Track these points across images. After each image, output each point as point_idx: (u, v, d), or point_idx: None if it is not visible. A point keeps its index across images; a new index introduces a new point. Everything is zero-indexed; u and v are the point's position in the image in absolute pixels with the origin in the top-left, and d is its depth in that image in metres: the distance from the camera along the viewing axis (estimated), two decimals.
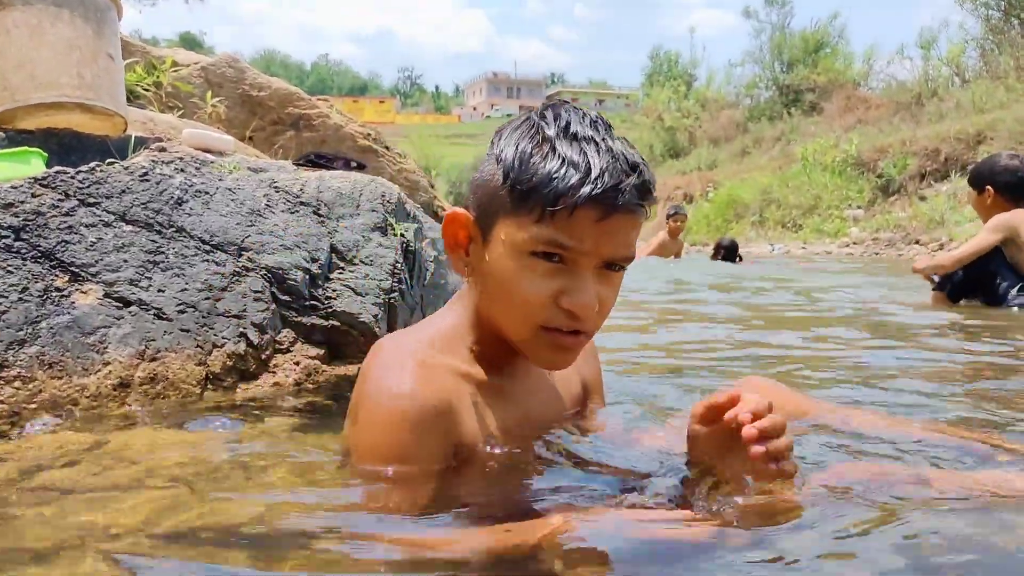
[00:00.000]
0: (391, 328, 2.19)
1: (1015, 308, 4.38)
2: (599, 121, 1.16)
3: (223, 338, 1.90)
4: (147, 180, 2.02)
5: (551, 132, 1.12)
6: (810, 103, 27.54)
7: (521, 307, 1.15)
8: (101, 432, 1.57)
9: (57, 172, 1.93)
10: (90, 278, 1.82)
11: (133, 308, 1.83)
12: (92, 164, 1.99)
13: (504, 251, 1.15)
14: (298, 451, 1.48)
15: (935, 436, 1.45)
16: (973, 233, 4.89)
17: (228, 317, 1.93)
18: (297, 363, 2.01)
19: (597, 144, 1.11)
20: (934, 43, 23.66)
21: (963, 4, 22.01)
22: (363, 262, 2.21)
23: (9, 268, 1.74)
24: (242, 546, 0.97)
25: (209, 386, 1.85)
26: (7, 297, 1.71)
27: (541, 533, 0.93)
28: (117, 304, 1.82)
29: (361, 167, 2.91)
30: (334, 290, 2.12)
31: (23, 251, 1.79)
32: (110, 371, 1.74)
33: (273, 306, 2.01)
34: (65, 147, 2.45)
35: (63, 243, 1.83)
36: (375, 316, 2.12)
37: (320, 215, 2.24)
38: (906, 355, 2.85)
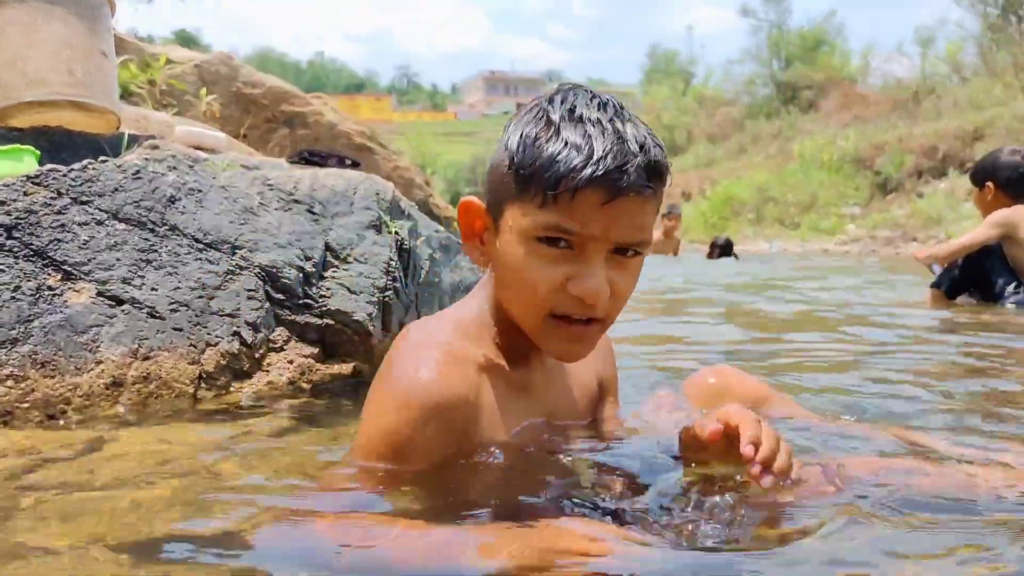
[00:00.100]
0: (385, 327, 2.18)
1: (1010, 306, 4.39)
2: (609, 103, 1.13)
3: (216, 337, 1.90)
4: (140, 178, 2.01)
5: (556, 116, 1.10)
6: (808, 100, 27.56)
7: (529, 294, 1.13)
8: (94, 431, 1.56)
9: (49, 170, 1.92)
10: (83, 276, 1.82)
11: (126, 307, 1.83)
12: (85, 162, 1.98)
13: (512, 238, 1.13)
14: (292, 449, 1.47)
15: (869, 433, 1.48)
16: (971, 229, 4.90)
17: (221, 316, 1.93)
18: (291, 362, 2.00)
19: (603, 126, 1.08)
20: (932, 40, 23.69)
21: (961, 2, 22.02)
22: (357, 260, 2.20)
23: (1, 267, 1.73)
24: (236, 545, 0.97)
25: (203, 385, 1.84)
26: None
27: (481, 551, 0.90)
28: (110, 303, 1.82)
29: (355, 165, 2.90)
30: (328, 288, 2.12)
31: (15, 249, 1.78)
32: (103, 370, 1.74)
33: (267, 304, 2.01)
34: (58, 145, 2.44)
35: (55, 241, 1.82)
36: (369, 314, 2.11)
37: (314, 213, 2.23)
38: (904, 354, 2.85)
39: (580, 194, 1.05)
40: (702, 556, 0.91)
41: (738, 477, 1.09)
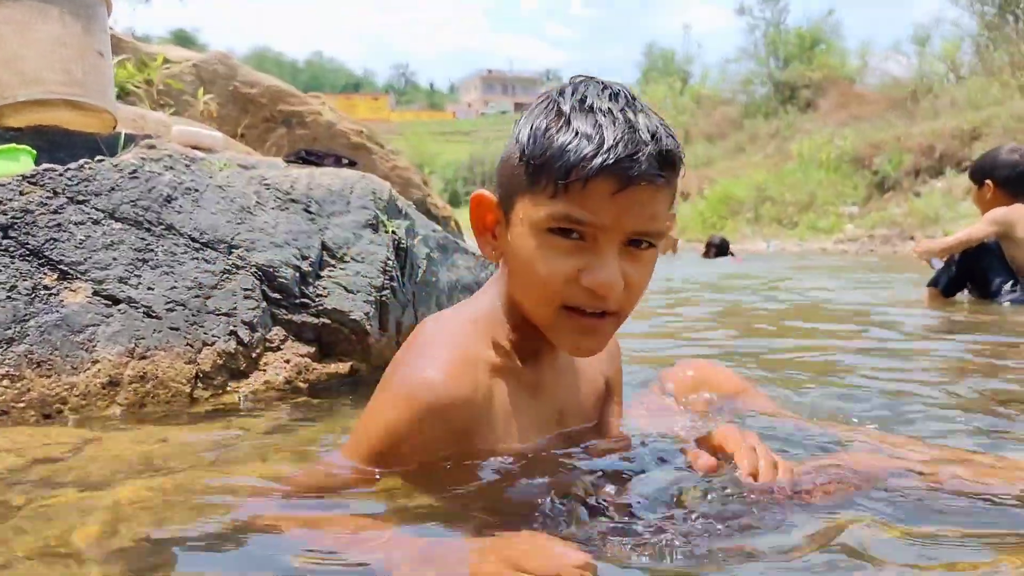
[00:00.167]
0: (382, 326, 2.18)
1: (1006, 303, 4.41)
2: (621, 93, 1.12)
3: (213, 336, 1.89)
4: (136, 177, 2.01)
5: (566, 107, 1.09)
6: (805, 100, 27.58)
7: (541, 287, 1.11)
8: (90, 430, 1.56)
9: (45, 169, 1.92)
10: (79, 276, 1.81)
11: (122, 306, 1.82)
12: (81, 161, 1.98)
13: (523, 230, 1.12)
14: (289, 448, 1.47)
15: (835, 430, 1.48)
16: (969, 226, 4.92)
17: (218, 315, 1.92)
18: (288, 361, 2.00)
19: (614, 115, 1.07)
20: (929, 39, 23.72)
21: (958, 1, 22.05)
22: (354, 259, 2.20)
23: None
24: (230, 544, 0.97)
25: (199, 384, 1.84)
26: None
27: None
28: (106, 302, 1.81)
29: (352, 164, 2.90)
30: (325, 288, 2.12)
31: (11, 249, 1.78)
32: (99, 369, 1.74)
33: (263, 304, 2.01)
34: (54, 144, 2.43)
35: (52, 241, 1.82)
36: (366, 314, 2.11)
37: (311, 212, 2.23)
38: (900, 351, 2.86)
39: (591, 183, 1.04)
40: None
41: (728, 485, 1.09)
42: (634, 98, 1.13)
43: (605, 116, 1.07)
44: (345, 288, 2.13)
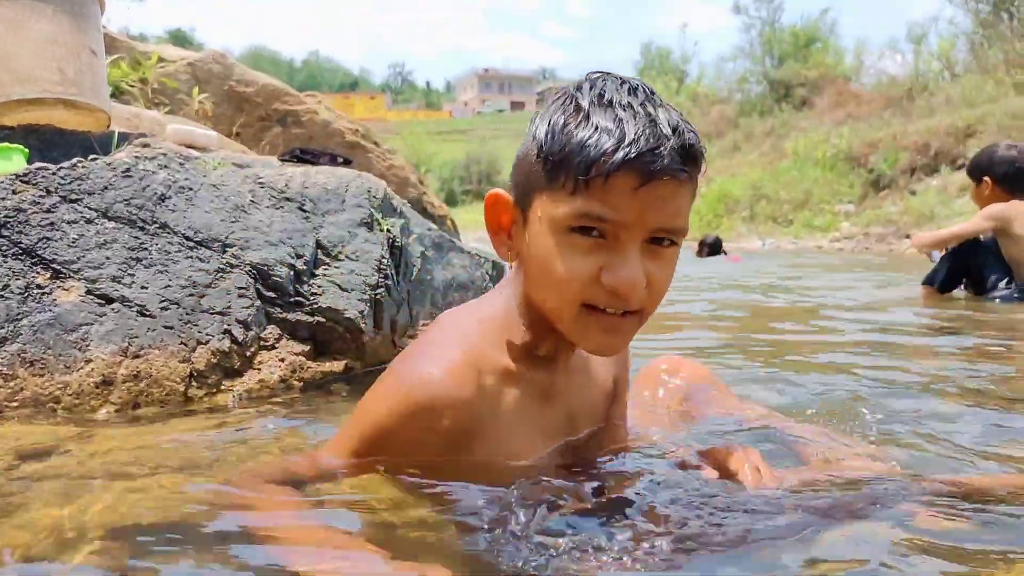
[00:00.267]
0: (377, 324, 2.18)
1: (997, 299, 4.46)
2: (640, 87, 1.10)
3: (207, 335, 1.89)
4: (130, 176, 2.01)
5: (585, 102, 1.07)
6: (801, 98, 27.61)
7: (561, 287, 1.08)
8: (84, 427, 1.56)
9: (38, 168, 1.91)
10: (72, 275, 1.81)
11: (116, 305, 1.82)
12: (74, 160, 1.97)
13: (541, 229, 1.09)
14: (283, 446, 1.47)
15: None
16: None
17: (212, 314, 1.92)
18: (282, 360, 1.99)
19: (634, 109, 1.04)
20: (924, 38, 23.76)
21: None
22: (349, 258, 2.20)
23: None
24: (223, 541, 0.97)
25: (193, 383, 1.84)
26: None
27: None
28: (99, 301, 1.81)
29: (347, 163, 2.89)
30: (319, 286, 2.11)
31: (3, 248, 1.77)
32: (92, 368, 1.73)
33: (258, 302, 2.00)
34: (47, 143, 2.43)
35: (44, 240, 1.82)
36: (361, 312, 2.11)
37: (305, 211, 2.23)
38: (895, 350, 2.86)
39: (612, 179, 1.01)
40: None
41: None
42: (653, 92, 1.10)
43: (625, 110, 1.04)
44: (340, 286, 2.13)
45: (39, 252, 1.80)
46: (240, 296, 1.97)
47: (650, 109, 1.05)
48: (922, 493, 1.12)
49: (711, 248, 11.27)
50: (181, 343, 1.85)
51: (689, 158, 1.06)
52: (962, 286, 4.91)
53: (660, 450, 1.34)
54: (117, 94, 3.90)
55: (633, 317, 1.11)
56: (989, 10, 21.45)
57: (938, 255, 4.93)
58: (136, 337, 1.80)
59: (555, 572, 0.87)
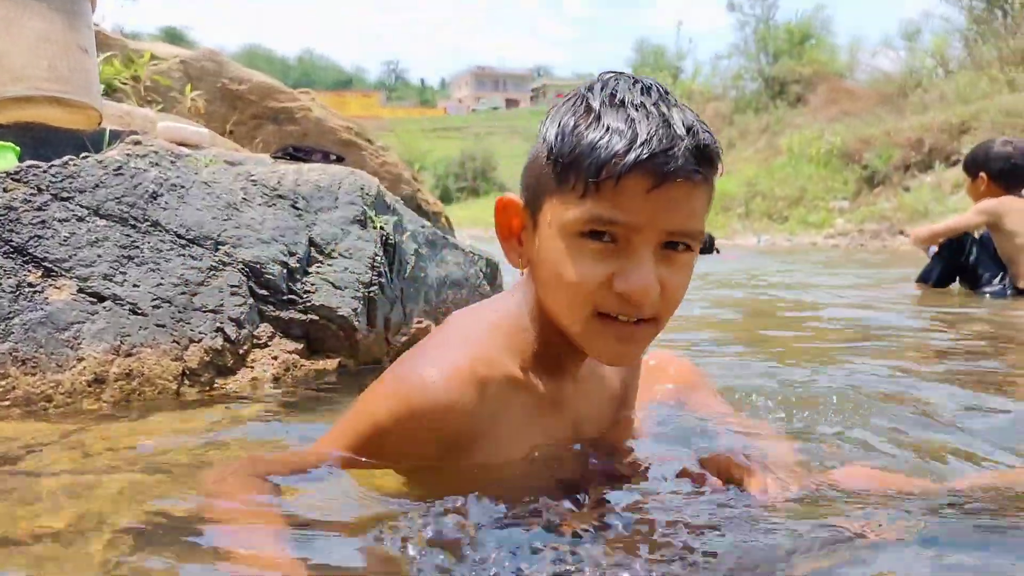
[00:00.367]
0: (370, 322, 2.18)
1: (987, 295, 4.52)
2: (653, 87, 1.07)
3: (200, 333, 1.89)
4: (121, 174, 2.00)
5: (596, 102, 1.04)
6: (795, 95, 27.63)
7: (571, 294, 1.05)
8: (76, 424, 1.55)
9: (29, 166, 1.90)
10: (63, 273, 1.80)
11: (108, 303, 1.81)
12: (65, 158, 1.96)
13: (552, 233, 1.05)
14: (274, 444, 1.47)
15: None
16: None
17: (205, 312, 1.92)
18: (275, 357, 1.99)
19: (647, 109, 1.01)
20: (918, 34, 23.81)
21: None
22: (342, 255, 2.20)
23: None
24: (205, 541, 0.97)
25: (186, 381, 1.83)
26: None
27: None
28: (91, 299, 1.80)
29: (340, 160, 2.89)
30: (312, 284, 2.11)
31: None
32: (84, 367, 1.73)
33: (250, 300, 2.00)
34: (38, 141, 2.42)
35: (36, 238, 1.81)
36: (354, 310, 2.11)
37: (298, 208, 2.22)
38: (887, 348, 2.87)
39: (624, 181, 0.98)
40: None
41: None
42: (667, 92, 1.07)
43: (637, 110, 1.01)
44: (333, 284, 2.13)
45: (30, 250, 1.79)
46: (233, 294, 1.97)
47: (663, 109, 1.02)
48: (922, 505, 1.10)
49: (703, 247, 11.31)
50: (173, 341, 1.85)
51: (704, 159, 1.03)
52: (956, 283, 4.93)
53: (663, 457, 1.32)
54: (110, 92, 3.89)
55: (648, 325, 1.07)
56: (983, 7, 21.49)
57: (934, 250, 4.96)
58: (128, 335, 1.80)
59: None
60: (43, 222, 1.83)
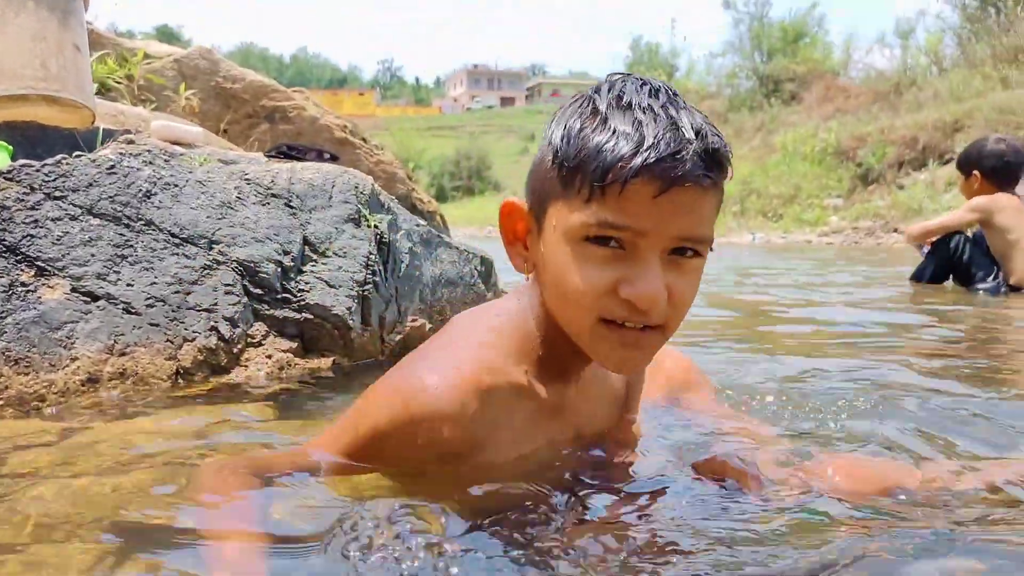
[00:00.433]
0: (365, 321, 2.18)
1: (981, 291, 4.56)
2: (662, 89, 1.04)
3: (194, 332, 1.88)
4: (115, 173, 1.99)
5: (602, 105, 1.02)
6: (790, 93, 27.69)
7: (577, 301, 1.03)
8: (69, 423, 1.55)
9: (22, 165, 1.90)
10: (57, 272, 1.80)
11: (101, 302, 1.81)
12: (58, 157, 1.96)
13: (557, 238, 1.03)
14: (267, 443, 1.47)
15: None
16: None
17: (199, 311, 1.91)
18: (269, 356, 1.99)
19: (654, 112, 0.99)
20: (912, 33, 23.88)
21: None
22: (336, 254, 2.20)
23: None
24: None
25: (180, 380, 1.83)
26: None
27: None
28: (85, 298, 1.80)
29: (334, 159, 2.89)
30: (307, 283, 2.11)
31: None
32: (78, 366, 1.72)
33: (245, 299, 2.00)
34: (31, 140, 2.41)
35: (29, 237, 1.80)
36: (348, 308, 2.11)
37: (292, 207, 2.22)
38: (881, 345, 2.88)
39: (631, 185, 0.96)
40: None
41: None
42: (675, 94, 1.04)
43: (645, 113, 0.99)
44: (327, 283, 2.13)
45: (23, 250, 1.79)
46: (227, 293, 1.97)
47: (672, 112, 1.00)
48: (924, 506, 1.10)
49: None
50: (167, 340, 1.84)
51: (714, 163, 1.00)
52: (950, 280, 4.96)
53: (656, 459, 1.32)
54: (103, 91, 3.87)
55: (655, 332, 1.05)
56: (976, 5, 21.55)
57: (927, 249, 4.99)
58: (122, 335, 1.80)
59: None
60: (36, 221, 1.83)
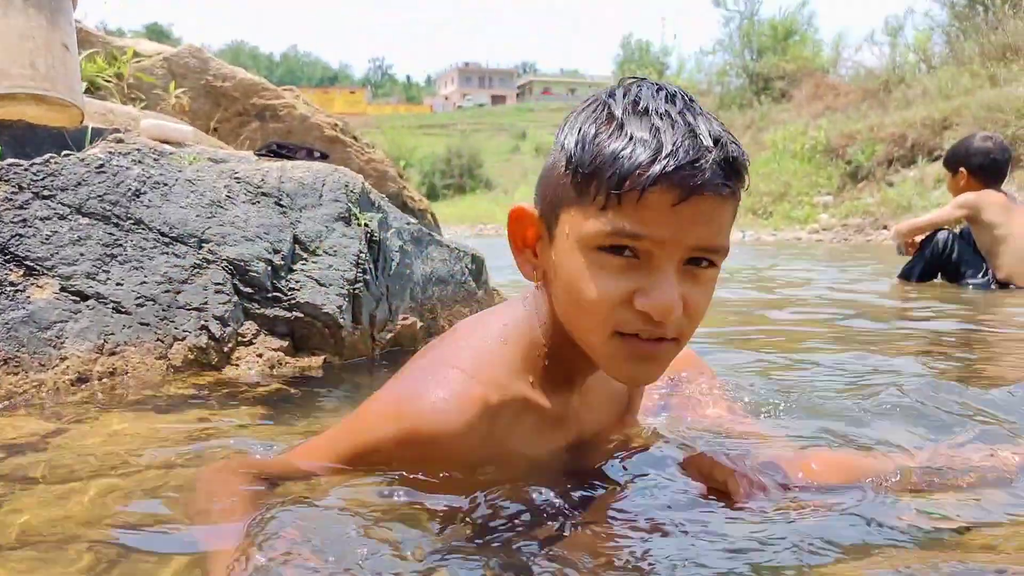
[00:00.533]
0: (355, 319, 2.18)
1: (970, 287, 4.60)
2: (678, 94, 1.01)
3: (184, 331, 1.88)
4: (104, 172, 1.99)
5: (618, 110, 0.99)
6: (780, 91, 27.76)
7: (590, 311, 1.00)
8: (58, 424, 1.55)
9: (10, 164, 1.89)
10: (46, 272, 1.80)
11: (91, 302, 1.81)
12: (47, 156, 1.95)
13: (569, 246, 1.01)
14: (260, 441, 1.47)
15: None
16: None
17: (189, 310, 1.91)
18: (260, 355, 1.99)
19: (672, 118, 0.96)
20: (900, 30, 23.99)
21: None
22: (326, 253, 2.20)
23: None
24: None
25: (170, 379, 1.83)
26: None
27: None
28: (74, 298, 1.80)
29: (324, 157, 2.88)
30: (297, 281, 2.11)
31: None
32: (68, 366, 1.72)
33: (235, 298, 2.00)
34: (19, 139, 2.40)
35: (17, 237, 1.80)
36: (339, 307, 2.11)
37: (282, 206, 2.22)
38: (875, 343, 2.90)
39: (648, 194, 0.93)
40: None
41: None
42: (692, 100, 1.02)
43: (662, 119, 0.96)
44: (318, 281, 2.13)
45: (12, 249, 1.78)
46: (217, 292, 1.97)
47: (689, 118, 0.98)
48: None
49: None
50: (157, 339, 1.84)
51: (732, 172, 0.98)
52: (939, 278, 4.99)
53: (648, 457, 1.32)
54: (93, 89, 3.86)
55: (669, 343, 1.03)
56: (965, 3, 21.67)
57: (903, 251, 5.05)
58: (112, 334, 1.79)
59: None
60: (24, 220, 1.82)
